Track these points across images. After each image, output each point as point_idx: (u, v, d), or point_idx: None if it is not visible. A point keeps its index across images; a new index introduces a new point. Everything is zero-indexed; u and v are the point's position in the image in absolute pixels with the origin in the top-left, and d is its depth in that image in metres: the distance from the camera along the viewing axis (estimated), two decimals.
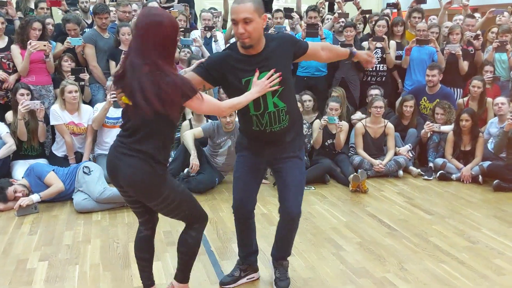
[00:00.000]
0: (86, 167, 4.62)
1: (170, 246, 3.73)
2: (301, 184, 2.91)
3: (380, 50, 6.61)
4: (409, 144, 5.91)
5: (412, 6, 7.34)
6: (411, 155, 5.90)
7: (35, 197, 4.38)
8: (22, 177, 4.66)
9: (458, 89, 6.65)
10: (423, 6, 7.35)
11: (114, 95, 5.14)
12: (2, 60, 5.45)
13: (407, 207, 4.71)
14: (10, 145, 4.98)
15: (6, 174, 5.02)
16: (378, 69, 6.68)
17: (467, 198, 5.02)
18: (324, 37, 6.42)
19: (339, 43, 6.56)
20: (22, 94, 5.09)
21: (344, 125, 5.78)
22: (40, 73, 5.50)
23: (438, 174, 5.64)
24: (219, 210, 4.56)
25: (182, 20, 6.97)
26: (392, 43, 6.74)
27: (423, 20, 7.15)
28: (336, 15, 6.98)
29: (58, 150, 5.37)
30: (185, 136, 5.01)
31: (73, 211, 4.43)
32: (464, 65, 6.55)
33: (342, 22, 6.90)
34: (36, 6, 6.33)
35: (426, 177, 5.66)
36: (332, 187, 5.31)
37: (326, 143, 5.77)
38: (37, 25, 5.38)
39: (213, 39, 6.79)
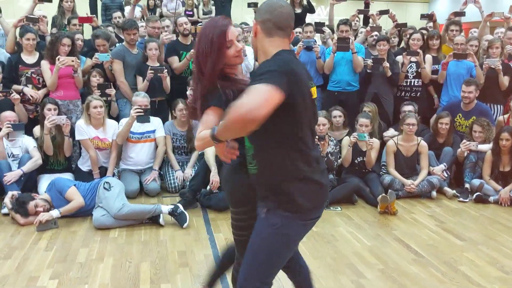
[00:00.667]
0: (107, 182, 4.59)
1: (183, 268, 3.62)
2: (255, 252, 2.17)
3: (415, 64, 6.35)
4: (444, 164, 5.61)
5: (450, 18, 7.06)
6: (446, 175, 5.59)
7: (54, 213, 4.37)
8: (45, 192, 4.68)
9: (498, 106, 6.29)
10: (463, 19, 7.06)
11: (138, 110, 5.16)
12: (32, 75, 5.54)
13: (437, 232, 4.43)
14: (36, 159, 5.03)
15: (32, 187, 5.07)
16: (412, 84, 6.41)
17: (504, 223, 4.69)
18: (356, 51, 6.23)
19: (372, 57, 6.35)
20: (49, 109, 5.15)
21: (375, 142, 5.54)
22: (69, 88, 5.57)
23: (474, 196, 5.31)
24: None
25: None
26: (428, 57, 6.47)
27: (462, 33, 6.86)
28: (368, 28, 6.77)
29: (84, 164, 5.39)
30: (207, 151, 4.92)
31: (92, 227, 4.40)
32: (505, 80, 6.19)
33: (376, 35, 6.69)
34: (68, 22, 6.44)
35: (461, 199, 5.34)
36: (360, 208, 5.08)
37: (356, 161, 5.55)
38: (66, 41, 5.45)
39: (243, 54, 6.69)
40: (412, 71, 6.38)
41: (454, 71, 6.31)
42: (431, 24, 7.43)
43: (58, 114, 5.20)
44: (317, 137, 5.07)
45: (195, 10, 11.55)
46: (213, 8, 11.04)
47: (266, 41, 2.13)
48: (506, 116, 6.05)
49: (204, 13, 11.30)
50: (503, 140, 5.27)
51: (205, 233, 4.30)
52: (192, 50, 6.01)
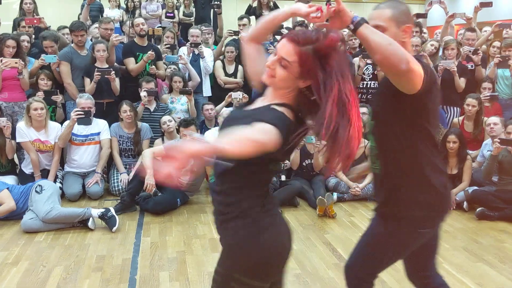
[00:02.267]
0: (39, 185, 4.54)
1: (95, 272, 3.56)
2: (368, 247, 2.29)
3: (371, 66, 6.28)
4: None
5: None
6: None
7: None
8: None
9: (455, 108, 6.21)
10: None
11: (78, 112, 5.11)
12: None
13: None
14: None
15: None
16: (369, 86, 6.34)
17: (444, 226, 4.59)
18: None
19: None
20: None
21: (324, 144, 5.46)
22: (13, 90, 5.53)
23: None
24: (167, 233, 4.36)
25: (170, 37, 6.90)
26: None
27: (426, 35, 6.81)
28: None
29: (27, 167, 5.34)
30: (144, 154, 4.87)
31: (21, 230, 4.34)
32: (461, 82, 6.12)
33: None
34: (18, 24, 6.41)
35: None
36: (301, 211, 5.02)
37: (304, 164, 5.50)
38: (10, 42, 5.41)
39: (200, 56, 6.65)
40: (368, 73, 6.32)
41: None
42: None
43: (1, 117, 5.16)
44: None
45: (176, 11, 11.52)
46: (194, 10, 11.01)
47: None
48: (461, 118, 5.96)
49: (185, 15, 11.25)
50: (450, 142, 5.17)
51: (133, 237, 4.24)
52: (149, 52, 5.97)
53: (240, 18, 7.22)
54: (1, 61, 5.27)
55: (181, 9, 11.55)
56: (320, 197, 4.82)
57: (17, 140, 5.20)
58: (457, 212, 5.00)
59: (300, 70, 1.71)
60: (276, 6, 8.07)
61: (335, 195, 5.22)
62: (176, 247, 4.03)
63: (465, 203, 5.04)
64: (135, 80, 6.03)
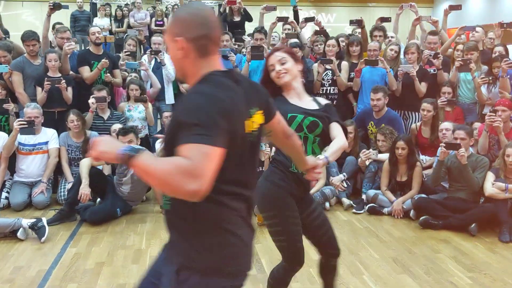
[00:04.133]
0: None
1: (3, 284, 3.52)
2: None
3: (330, 72, 6.18)
4: (344, 174, 5.41)
5: (376, 23, 6.89)
6: (346, 186, 5.38)
7: None
8: None
9: (416, 113, 6.04)
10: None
11: (21, 122, 5.11)
12: None
13: None
14: None
15: None
16: (328, 91, 6.23)
17: (382, 236, 4.47)
18: None
19: None
20: None
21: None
22: None
23: (366, 207, 5.10)
24: (96, 244, 4.30)
25: (131, 45, 6.89)
26: (344, 64, 6.28)
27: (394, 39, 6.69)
28: (283, 35, 6.62)
29: None
30: (81, 163, 4.84)
31: None
32: (422, 86, 5.96)
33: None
34: None
35: (355, 210, 5.13)
36: None
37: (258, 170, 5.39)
38: None
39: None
40: (327, 79, 6.21)
41: (368, 78, 6.12)
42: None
43: None
44: None
45: (165, 19, 11.58)
46: None
47: (200, 63, 1.70)
48: (419, 124, 5.81)
49: None
50: (399, 149, 5.05)
51: (59, 248, 4.20)
52: (103, 60, 5.96)
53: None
54: None
55: (170, 16, 11.55)
56: (257, 206, 4.71)
57: None
58: (403, 221, 4.86)
59: (294, 60, 2.67)
60: (246, 13, 8.02)
61: None
62: (98, 258, 3.98)
63: (412, 211, 4.89)
64: (90, 88, 6.02)
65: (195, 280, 1.64)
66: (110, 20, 12.19)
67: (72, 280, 3.58)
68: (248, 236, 1.80)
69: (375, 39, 6.59)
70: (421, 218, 4.67)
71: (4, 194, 5.27)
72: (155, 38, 6.84)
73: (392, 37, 6.94)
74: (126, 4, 13.29)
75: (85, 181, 4.72)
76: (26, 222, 4.38)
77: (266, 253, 4.07)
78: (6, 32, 7.38)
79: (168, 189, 1.44)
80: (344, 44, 6.55)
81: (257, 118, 1.79)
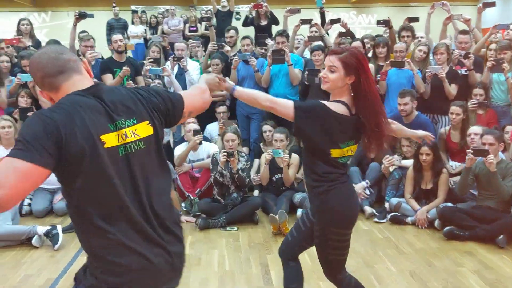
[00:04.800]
0: None
1: None
2: None
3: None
4: (366, 181, 5.20)
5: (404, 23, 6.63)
6: (368, 193, 5.16)
7: None
8: None
9: (445, 117, 5.74)
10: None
11: None
12: None
13: (313, 256, 4.02)
14: None
15: None
16: None
17: (402, 247, 4.24)
18: (292, 63, 5.97)
19: (306, 68, 6.05)
20: None
21: (293, 158, 5.24)
22: None
23: (389, 216, 4.86)
24: None
25: (155, 52, 6.90)
26: (370, 66, 6.04)
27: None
28: (306, 38, 6.46)
29: None
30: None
31: None
32: (452, 88, 5.67)
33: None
34: None
35: (376, 219, 4.90)
36: (258, 228, 4.80)
37: (274, 179, 5.28)
38: None
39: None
40: None
41: (395, 81, 5.87)
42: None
43: None
44: (225, 153, 4.88)
45: (198, 25, 11.65)
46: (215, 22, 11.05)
47: (57, 95, 1.75)
48: (447, 128, 5.52)
49: (206, 29, 11.35)
50: (423, 154, 4.79)
51: (71, 256, 4.20)
52: (124, 68, 6.00)
53: (227, 30, 7.10)
54: None
55: (203, 22, 11.62)
56: (271, 214, 4.59)
57: None
58: (427, 231, 4.60)
59: (344, 70, 2.39)
60: (273, 16, 7.91)
61: (299, 211, 4.97)
62: None
63: (437, 220, 4.63)
64: None
65: None
66: (145, 27, 12.39)
67: None
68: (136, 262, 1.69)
69: (403, 40, 6.34)
70: (445, 229, 4.40)
71: (26, 201, 5.35)
72: (178, 44, 6.84)
73: (421, 37, 6.66)
74: (161, 12, 13.45)
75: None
76: (41, 229, 4.41)
77: (277, 264, 3.92)
78: (38, 42, 7.55)
79: None
80: (369, 45, 6.33)
81: (138, 129, 1.76)
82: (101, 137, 1.65)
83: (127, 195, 1.68)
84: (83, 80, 1.76)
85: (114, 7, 11.74)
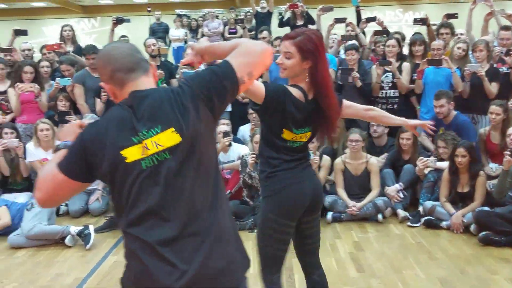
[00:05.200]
0: (31, 203, 4.78)
1: None
2: None
3: (391, 74, 5.82)
4: (400, 184, 5.05)
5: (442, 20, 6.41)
6: (402, 196, 5.01)
7: None
8: None
9: (486, 117, 5.50)
10: None
11: None
12: (2, 102, 5.99)
13: (341, 260, 3.96)
14: None
15: None
16: (388, 95, 5.87)
17: (435, 252, 4.08)
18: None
19: (340, 67, 5.95)
20: (6, 133, 5.50)
21: (325, 160, 5.17)
22: (32, 112, 5.94)
23: (423, 220, 4.70)
24: None
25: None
26: (405, 65, 5.89)
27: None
28: (339, 37, 6.35)
29: None
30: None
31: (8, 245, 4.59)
32: (492, 87, 5.44)
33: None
34: (40, 51, 6.88)
35: (409, 223, 4.75)
36: None
37: None
38: (28, 68, 5.83)
39: None
40: (387, 82, 5.85)
41: (432, 79, 5.68)
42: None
43: (17, 138, 5.53)
44: (254, 155, 4.86)
45: (237, 27, 11.72)
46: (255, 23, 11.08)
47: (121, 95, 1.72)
48: (487, 128, 5.29)
49: (248, 30, 11.41)
50: (458, 156, 4.60)
51: (101, 256, 4.29)
52: (158, 71, 6.08)
53: (260, 31, 7.09)
54: (17, 86, 5.68)
55: (239, 24, 11.69)
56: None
57: (27, 160, 5.54)
58: (463, 236, 4.42)
59: (300, 55, 2.32)
60: (309, 16, 7.84)
61: (329, 214, 4.89)
62: None
63: (472, 225, 4.43)
64: None
65: None
66: (186, 30, 12.57)
67: None
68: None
69: (441, 37, 6.12)
70: (480, 234, 4.21)
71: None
72: None
73: (461, 34, 6.41)
74: (202, 15, 13.61)
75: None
76: (74, 229, 4.54)
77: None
78: (79, 48, 7.78)
79: None
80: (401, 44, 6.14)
81: (161, 138, 1.61)
82: (121, 152, 1.60)
83: (157, 207, 1.62)
84: (147, 83, 1.70)
85: (149, 11, 11.93)
